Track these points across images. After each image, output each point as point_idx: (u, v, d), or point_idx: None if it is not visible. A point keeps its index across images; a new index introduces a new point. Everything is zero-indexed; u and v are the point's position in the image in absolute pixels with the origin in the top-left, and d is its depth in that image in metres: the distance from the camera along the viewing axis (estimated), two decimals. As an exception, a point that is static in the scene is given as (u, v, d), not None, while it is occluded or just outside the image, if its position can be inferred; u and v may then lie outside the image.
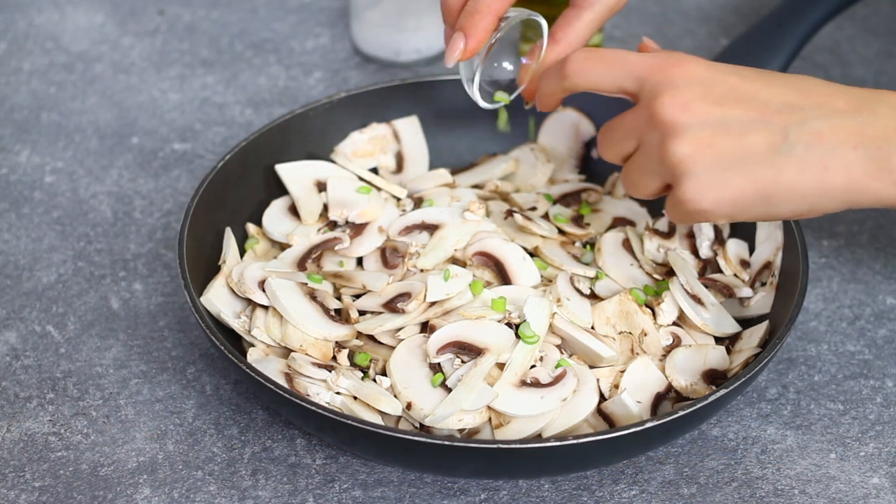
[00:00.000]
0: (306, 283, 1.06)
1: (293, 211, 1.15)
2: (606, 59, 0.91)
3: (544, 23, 1.01)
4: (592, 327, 1.04)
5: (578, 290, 1.06)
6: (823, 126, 0.85)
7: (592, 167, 1.23)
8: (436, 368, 1.00)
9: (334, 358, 1.02)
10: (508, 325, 1.02)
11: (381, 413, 0.98)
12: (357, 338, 1.04)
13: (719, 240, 1.13)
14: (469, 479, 1.00)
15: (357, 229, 1.12)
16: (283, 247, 1.13)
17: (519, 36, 1.05)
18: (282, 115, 1.18)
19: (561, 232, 1.14)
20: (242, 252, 1.12)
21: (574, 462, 0.96)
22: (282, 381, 0.98)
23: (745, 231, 1.13)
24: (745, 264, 1.11)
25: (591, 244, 1.14)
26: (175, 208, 1.26)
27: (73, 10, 1.55)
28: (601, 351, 1.01)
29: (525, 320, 1.01)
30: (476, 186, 1.20)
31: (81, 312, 1.14)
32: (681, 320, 1.06)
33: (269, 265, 1.08)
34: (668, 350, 1.03)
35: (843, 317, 1.15)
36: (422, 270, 1.08)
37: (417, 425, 0.98)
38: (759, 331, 1.04)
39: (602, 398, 1.00)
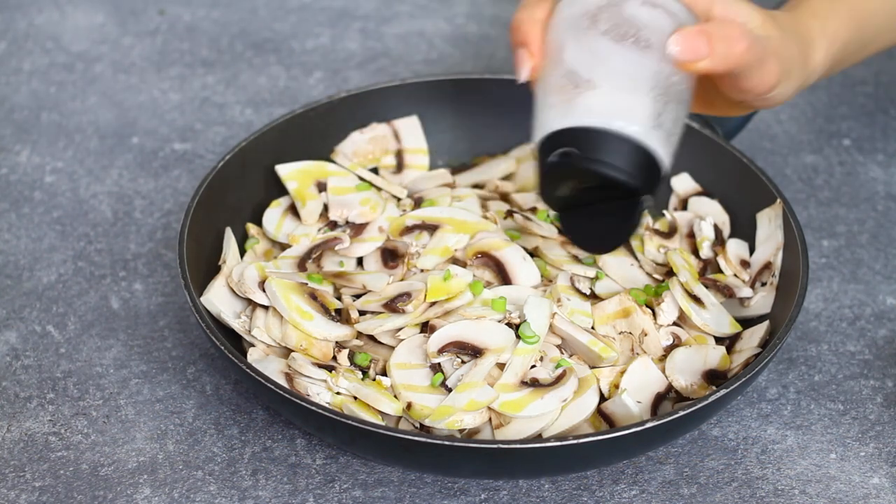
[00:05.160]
0: (306, 283, 1.06)
1: (293, 211, 1.15)
2: None
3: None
4: (592, 327, 1.04)
5: (578, 290, 1.06)
6: None
7: (592, 167, 1.23)
8: (436, 368, 1.00)
9: (334, 358, 1.02)
10: (508, 325, 1.02)
11: (381, 413, 0.98)
12: (357, 338, 1.04)
13: (719, 240, 1.13)
14: (469, 479, 1.00)
15: (357, 229, 1.12)
16: (283, 247, 1.13)
17: None
18: (282, 115, 1.18)
19: (561, 232, 1.13)
20: (242, 252, 1.12)
21: (574, 462, 0.96)
22: (282, 381, 0.98)
23: (745, 231, 1.14)
24: (745, 264, 1.11)
25: (591, 244, 1.14)
26: (175, 208, 1.26)
27: (73, 10, 1.55)
28: (601, 351, 1.01)
29: (525, 320, 1.01)
30: (476, 186, 1.20)
31: (81, 312, 1.14)
32: (681, 320, 1.06)
33: (269, 266, 1.08)
34: (668, 350, 1.03)
35: (843, 317, 1.15)
36: (422, 270, 1.08)
37: (417, 425, 0.98)
38: (760, 331, 1.04)
39: (602, 398, 1.00)
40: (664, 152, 0.87)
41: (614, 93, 0.87)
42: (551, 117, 0.88)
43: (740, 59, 0.90)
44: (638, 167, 0.86)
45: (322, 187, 1.16)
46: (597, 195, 0.89)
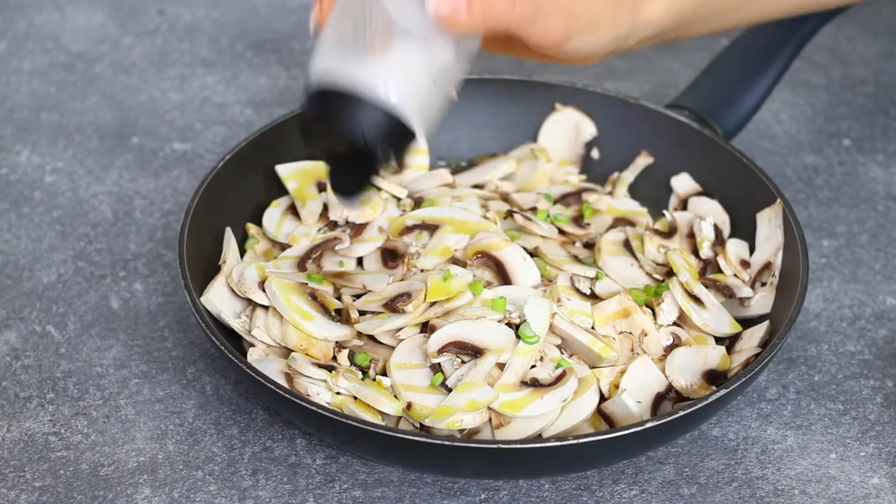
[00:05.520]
0: (306, 283, 1.06)
1: (293, 211, 1.15)
2: None
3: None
4: (592, 327, 1.04)
5: (578, 290, 1.06)
6: None
7: (592, 167, 1.23)
8: (436, 368, 1.00)
9: (334, 358, 1.02)
10: (508, 325, 1.02)
11: (381, 413, 0.98)
12: (357, 338, 1.04)
13: (719, 240, 1.13)
14: (469, 479, 1.00)
15: (357, 229, 1.12)
16: (283, 246, 1.13)
17: None
18: (282, 115, 1.18)
19: (561, 232, 1.14)
20: (242, 252, 1.12)
21: (574, 462, 0.96)
22: (282, 381, 0.98)
23: (745, 231, 1.14)
24: (745, 264, 1.11)
25: (591, 244, 1.14)
26: (175, 208, 1.26)
27: (73, 10, 1.55)
28: (601, 351, 1.01)
29: (525, 320, 1.01)
30: (476, 186, 1.20)
31: (81, 312, 1.14)
32: (681, 320, 1.06)
33: (269, 266, 1.08)
34: (668, 350, 1.03)
35: (843, 317, 1.15)
36: (422, 270, 1.08)
37: (417, 425, 0.98)
38: (759, 331, 1.04)
39: (602, 398, 1.00)
40: (414, 115, 0.87)
41: (375, 53, 0.86)
42: (315, 65, 0.88)
43: (504, 18, 0.86)
44: (375, 128, 0.86)
45: (322, 187, 1.16)
46: (346, 145, 0.90)
